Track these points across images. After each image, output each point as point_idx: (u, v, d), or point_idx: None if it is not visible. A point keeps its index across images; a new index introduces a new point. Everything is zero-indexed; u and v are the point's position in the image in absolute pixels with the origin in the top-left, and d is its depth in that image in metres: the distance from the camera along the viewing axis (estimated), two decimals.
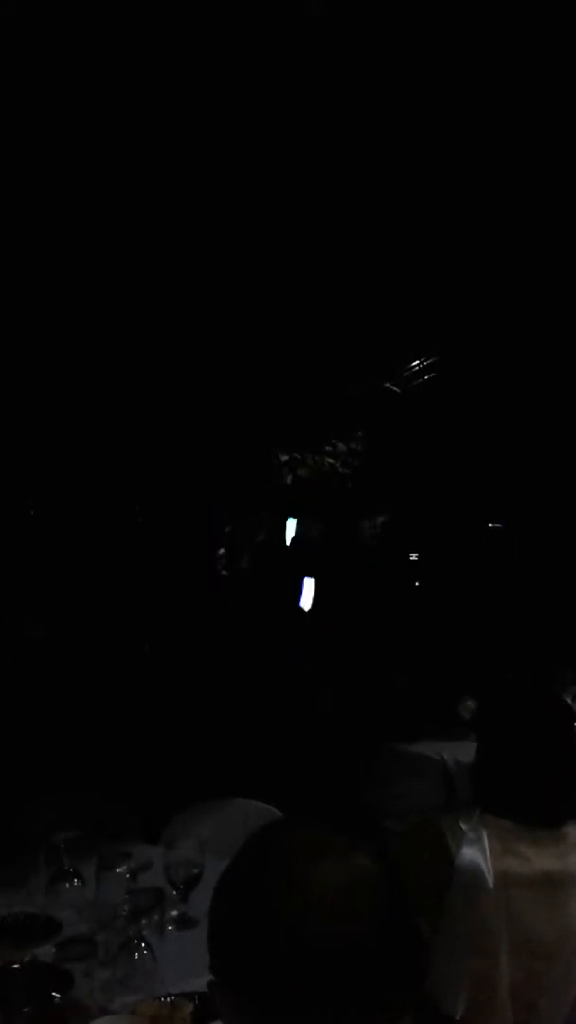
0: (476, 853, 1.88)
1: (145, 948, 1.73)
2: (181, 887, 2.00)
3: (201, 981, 1.65)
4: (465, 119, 4.89)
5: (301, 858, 0.96)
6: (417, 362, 8.82)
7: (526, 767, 1.92)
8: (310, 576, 6.61)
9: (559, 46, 4.14)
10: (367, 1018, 0.92)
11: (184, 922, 1.97)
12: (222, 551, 6.89)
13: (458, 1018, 1.87)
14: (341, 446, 7.21)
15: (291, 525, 7.49)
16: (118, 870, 1.92)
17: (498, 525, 7.25)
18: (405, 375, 8.84)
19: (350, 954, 0.91)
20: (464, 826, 1.91)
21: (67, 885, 2.02)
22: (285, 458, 7.81)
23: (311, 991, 0.90)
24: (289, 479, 8.28)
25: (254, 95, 4.48)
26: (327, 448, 7.03)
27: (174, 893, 1.99)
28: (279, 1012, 0.91)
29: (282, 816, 1.09)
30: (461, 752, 3.14)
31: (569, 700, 3.40)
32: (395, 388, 8.91)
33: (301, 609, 5.24)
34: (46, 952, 1.78)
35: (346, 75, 4.44)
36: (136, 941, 1.73)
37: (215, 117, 4.61)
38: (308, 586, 6.41)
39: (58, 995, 1.63)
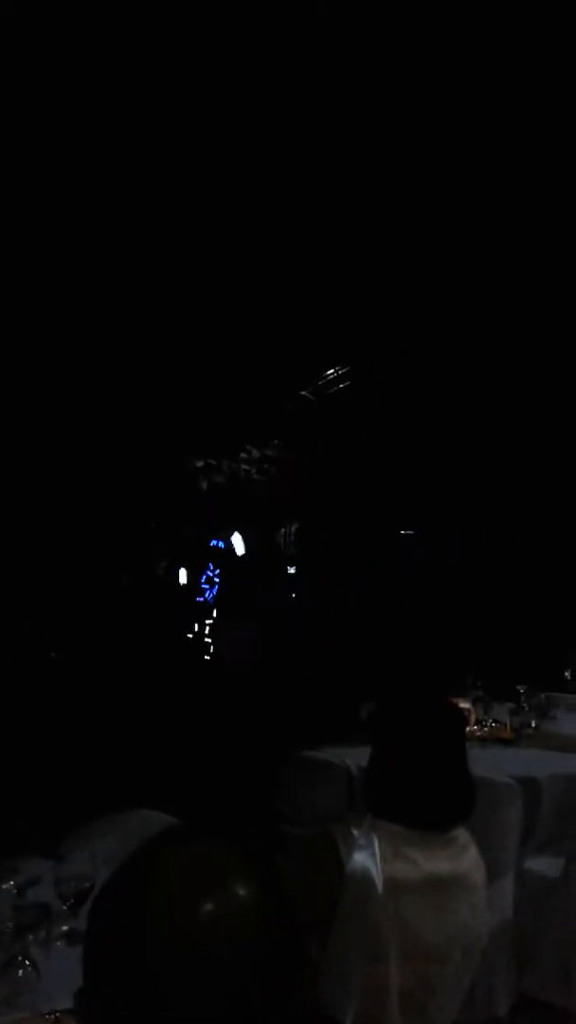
0: (367, 859, 1.90)
1: (30, 965, 1.69)
2: (71, 901, 1.95)
3: None
4: (420, 130, 4.97)
5: (177, 880, 0.93)
6: (332, 370, 8.90)
7: (415, 772, 1.95)
8: (225, 585, 6.60)
9: (550, 47, 4.24)
10: None
11: (73, 937, 1.93)
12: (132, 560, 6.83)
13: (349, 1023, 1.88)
14: (255, 452, 7.23)
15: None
16: (4, 886, 1.87)
17: (409, 532, 7.35)
18: (320, 383, 8.91)
19: (227, 977, 0.89)
20: (355, 832, 1.93)
21: None
22: (200, 464, 7.78)
23: (177, 1014, 0.88)
24: (205, 485, 8.26)
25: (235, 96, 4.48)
26: (242, 455, 7.04)
27: (64, 907, 1.95)
28: None
29: (168, 829, 1.06)
30: (364, 758, 3.16)
31: (469, 705, 3.48)
32: (310, 396, 8.97)
33: (213, 617, 5.21)
34: None
35: (323, 80, 4.47)
36: (20, 958, 1.69)
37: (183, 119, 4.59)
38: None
39: None
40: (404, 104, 4.76)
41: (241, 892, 0.93)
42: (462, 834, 2.00)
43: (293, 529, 8.67)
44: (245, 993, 0.90)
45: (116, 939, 0.93)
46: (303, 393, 9.00)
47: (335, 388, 8.93)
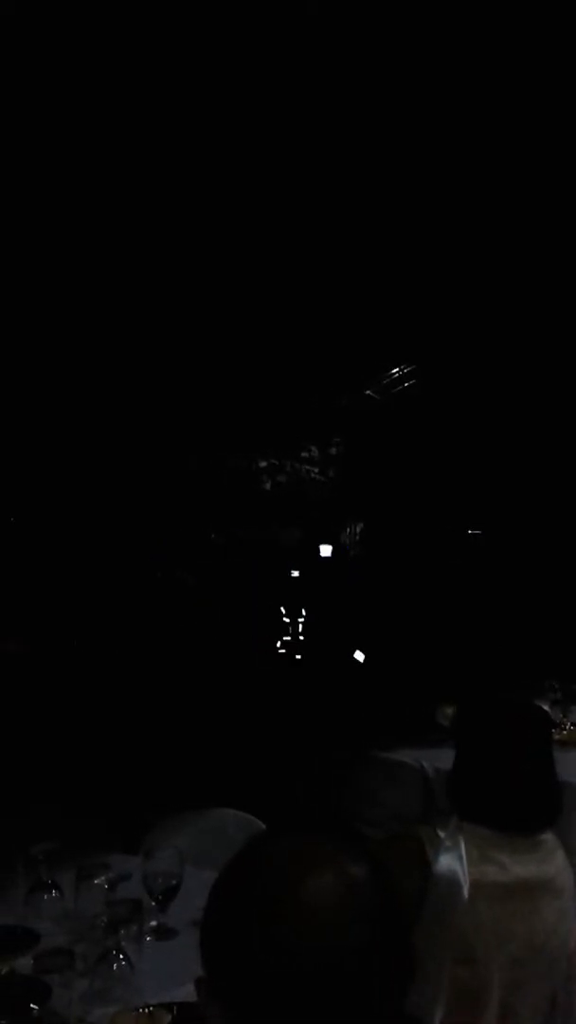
0: (453, 861, 1.89)
1: (123, 959, 1.73)
2: (160, 897, 1.99)
3: (180, 991, 1.66)
4: (438, 135, 4.94)
5: (295, 868, 0.96)
6: (397, 369, 8.86)
7: (502, 775, 1.94)
8: (290, 585, 6.61)
9: (539, 46, 4.19)
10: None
11: (163, 933, 1.97)
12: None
13: None
14: (316, 452, 7.23)
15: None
16: (96, 881, 1.91)
17: (478, 532, 7.29)
18: (384, 382, 8.87)
19: (344, 964, 0.91)
20: (442, 834, 1.92)
21: (45, 896, 2.01)
22: (264, 464, 7.82)
23: (303, 1002, 0.90)
24: (268, 485, 8.29)
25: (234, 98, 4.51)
26: (303, 455, 7.04)
27: (153, 904, 1.99)
28: (266, 1016, 0.91)
29: (273, 826, 1.09)
30: (439, 759, 3.14)
31: (547, 707, 3.43)
32: (375, 395, 8.94)
33: (283, 619, 5.24)
34: (24, 964, 1.77)
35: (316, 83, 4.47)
36: (114, 952, 1.72)
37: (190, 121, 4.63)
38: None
39: (36, 1007, 1.62)
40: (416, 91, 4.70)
41: (355, 872, 0.95)
42: (549, 838, 1.98)
43: (358, 529, 8.64)
44: (362, 974, 0.91)
45: (237, 925, 0.95)
46: (368, 392, 8.98)
47: (400, 387, 8.89)
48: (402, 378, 8.94)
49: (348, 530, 8.68)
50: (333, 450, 8.36)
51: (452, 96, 4.65)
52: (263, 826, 2.53)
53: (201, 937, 0.99)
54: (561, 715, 3.47)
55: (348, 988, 0.90)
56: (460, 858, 1.89)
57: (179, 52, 4.25)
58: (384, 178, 5.48)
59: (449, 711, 3.35)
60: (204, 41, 4.20)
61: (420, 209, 5.83)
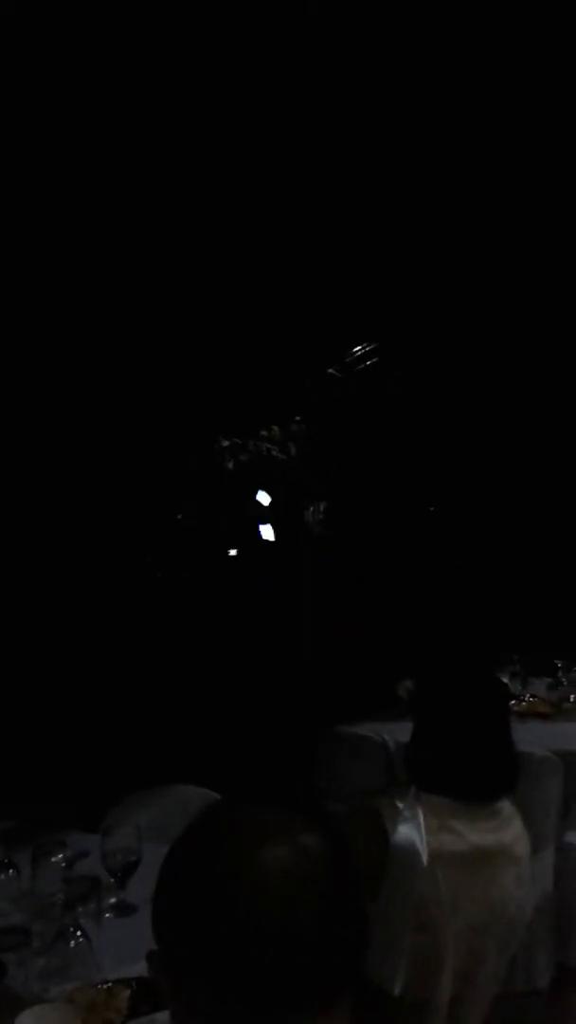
0: (411, 831, 1.90)
1: (81, 936, 1.71)
2: (119, 874, 1.98)
3: (139, 967, 1.65)
4: (400, 121, 4.93)
5: (248, 838, 0.94)
6: (359, 347, 8.84)
7: (459, 744, 1.95)
8: (256, 562, 6.58)
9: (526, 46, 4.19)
10: (310, 1000, 0.92)
11: (122, 909, 1.96)
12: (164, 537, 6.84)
13: (397, 994, 1.89)
14: (276, 430, 7.19)
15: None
16: (53, 859, 1.90)
17: (440, 508, 7.31)
18: (347, 360, 8.85)
19: (297, 935, 0.90)
20: (400, 805, 1.93)
21: (1, 876, 1.99)
22: (226, 443, 7.77)
23: (256, 973, 0.89)
24: (231, 464, 8.25)
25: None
26: (263, 432, 7.00)
27: (112, 880, 1.98)
28: (223, 993, 0.90)
29: (228, 797, 1.07)
30: (401, 733, 3.16)
31: (507, 679, 3.47)
32: (337, 373, 8.92)
33: (245, 595, 5.23)
34: None
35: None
36: (71, 929, 1.71)
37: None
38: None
39: None
40: (410, 87, 4.72)
41: (309, 843, 0.94)
42: (507, 806, 2.00)
43: (322, 508, 8.62)
44: (317, 946, 0.90)
45: (189, 899, 0.94)
46: (330, 371, 8.95)
47: (362, 365, 8.87)
48: (365, 356, 8.93)
49: (312, 508, 8.68)
50: (295, 428, 8.33)
51: (436, 95, 4.64)
52: None
53: (153, 909, 0.98)
54: (520, 687, 3.50)
55: (302, 959, 0.90)
56: (418, 828, 1.90)
57: (179, 51, 4.22)
58: (350, 164, 5.47)
59: (409, 685, 3.37)
60: (204, 40, 4.17)
61: (383, 192, 5.82)
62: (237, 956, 0.89)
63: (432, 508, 7.22)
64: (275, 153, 5.45)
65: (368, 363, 8.84)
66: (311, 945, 0.90)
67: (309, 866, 0.93)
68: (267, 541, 7.09)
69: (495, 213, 5.91)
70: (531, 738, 3.08)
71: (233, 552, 6.15)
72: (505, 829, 1.97)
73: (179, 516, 7.51)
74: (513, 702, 3.40)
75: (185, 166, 5.41)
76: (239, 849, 0.94)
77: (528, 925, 2.87)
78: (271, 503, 7.86)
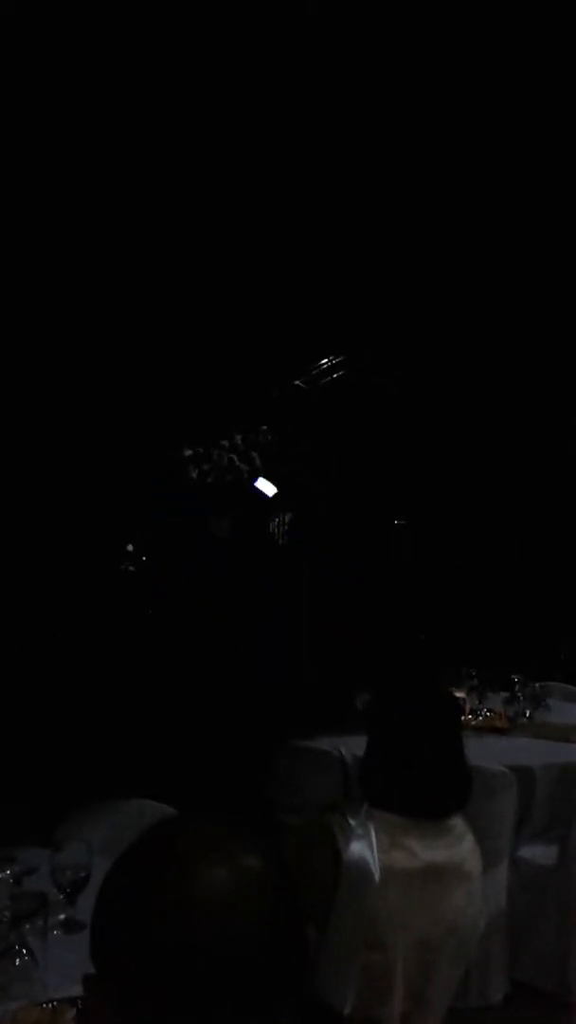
0: (364, 849, 1.90)
1: (26, 954, 1.69)
2: (68, 890, 1.95)
3: None
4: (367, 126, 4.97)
5: (188, 857, 0.93)
6: (326, 360, 8.87)
7: (410, 761, 1.95)
8: (219, 574, 6.56)
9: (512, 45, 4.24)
10: (247, 1020, 0.91)
11: (70, 926, 1.93)
12: (130, 548, 6.79)
13: (347, 1012, 1.89)
14: (238, 439, 7.18)
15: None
16: (0, 875, 1.87)
17: (402, 522, 7.35)
18: (314, 372, 8.87)
19: (234, 956, 0.89)
20: (352, 822, 1.93)
21: None
22: (190, 453, 7.74)
23: (192, 998, 0.88)
24: (195, 474, 8.22)
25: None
26: (223, 442, 6.99)
27: (61, 897, 1.95)
28: (157, 1012, 0.89)
29: (173, 814, 1.06)
30: (358, 746, 3.16)
31: (464, 694, 3.49)
32: (303, 385, 8.93)
33: (205, 607, 5.21)
34: None
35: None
36: (17, 947, 1.69)
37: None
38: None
39: None
40: (391, 98, 4.77)
41: (250, 864, 0.93)
42: (459, 823, 2.00)
43: (287, 519, 8.61)
44: (255, 968, 0.90)
45: (126, 920, 0.92)
46: (297, 382, 8.96)
47: (329, 377, 8.89)
48: (331, 368, 8.96)
49: (277, 519, 8.67)
50: (259, 438, 8.32)
51: (430, 95, 4.69)
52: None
53: (91, 932, 0.96)
54: (477, 702, 3.52)
55: (240, 983, 0.89)
56: (371, 846, 1.90)
57: (179, 49, 4.23)
58: (329, 172, 5.50)
59: (366, 697, 3.37)
60: (204, 39, 4.18)
61: (352, 203, 5.85)
62: (173, 981, 0.88)
63: (396, 521, 7.26)
64: (248, 164, 5.47)
65: (334, 375, 8.88)
66: (249, 969, 0.89)
67: (248, 889, 0.92)
68: (230, 553, 7.07)
69: (482, 215, 5.95)
70: (487, 753, 3.11)
71: (195, 561, 6.14)
72: (457, 846, 1.98)
73: (141, 529, 7.47)
74: (470, 717, 3.43)
75: (150, 177, 5.40)
76: (178, 871, 0.92)
77: (482, 940, 2.88)
78: (233, 518, 7.85)
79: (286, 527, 8.56)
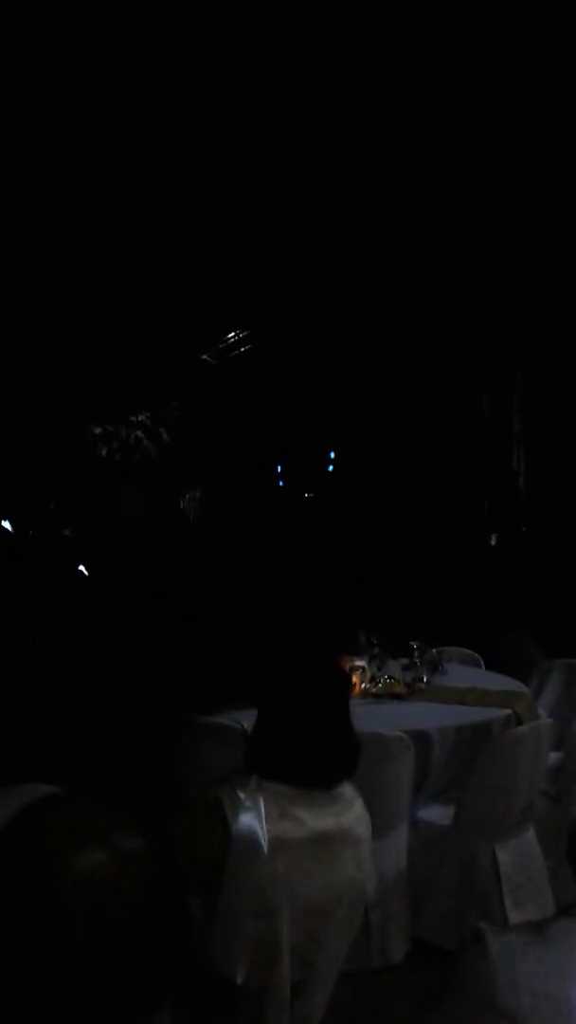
0: (252, 820, 1.91)
1: None
2: None
3: None
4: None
5: (62, 844, 0.93)
6: (232, 334, 8.82)
7: (297, 732, 1.97)
8: (131, 551, 6.51)
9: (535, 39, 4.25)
10: (129, 998, 0.91)
11: None
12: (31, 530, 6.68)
13: (239, 982, 1.90)
14: (146, 416, 7.12)
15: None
16: None
17: (311, 495, 7.41)
18: (221, 347, 8.82)
19: (111, 944, 0.89)
20: (242, 794, 1.94)
21: None
22: (99, 431, 7.63)
23: (68, 970, 0.88)
24: (104, 452, 8.11)
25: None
26: (132, 419, 6.93)
27: None
28: (35, 991, 0.89)
29: (52, 795, 1.05)
30: None
31: (365, 663, 3.53)
32: (211, 360, 8.87)
33: (109, 584, 5.16)
34: None
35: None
36: None
37: None
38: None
39: None
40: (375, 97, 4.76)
41: (128, 846, 0.94)
42: (347, 790, 2.03)
43: (197, 494, 8.58)
44: (132, 943, 0.90)
45: (3, 899, 0.92)
46: (204, 357, 8.90)
47: (236, 351, 8.85)
48: (238, 343, 8.91)
49: (188, 495, 8.63)
50: (168, 415, 8.24)
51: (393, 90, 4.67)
52: None
53: None
54: (377, 669, 3.57)
55: (117, 967, 0.89)
56: (259, 817, 1.92)
57: (179, 48, 4.13)
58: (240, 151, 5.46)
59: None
60: (204, 38, 4.08)
61: (259, 178, 5.82)
62: (49, 955, 0.88)
63: (308, 494, 7.32)
64: (156, 146, 5.38)
65: (242, 349, 8.84)
66: (125, 953, 0.90)
67: (123, 872, 0.92)
68: (139, 527, 7.00)
69: (358, 197, 5.98)
70: (385, 719, 3.16)
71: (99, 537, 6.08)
72: (345, 813, 2.01)
73: (51, 505, 7.34)
74: (369, 685, 3.48)
75: (66, 151, 5.27)
76: (51, 856, 0.92)
77: (382, 901, 2.96)
78: (145, 490, 7.77)
79: (197, 502, 8.54)
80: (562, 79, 4.61)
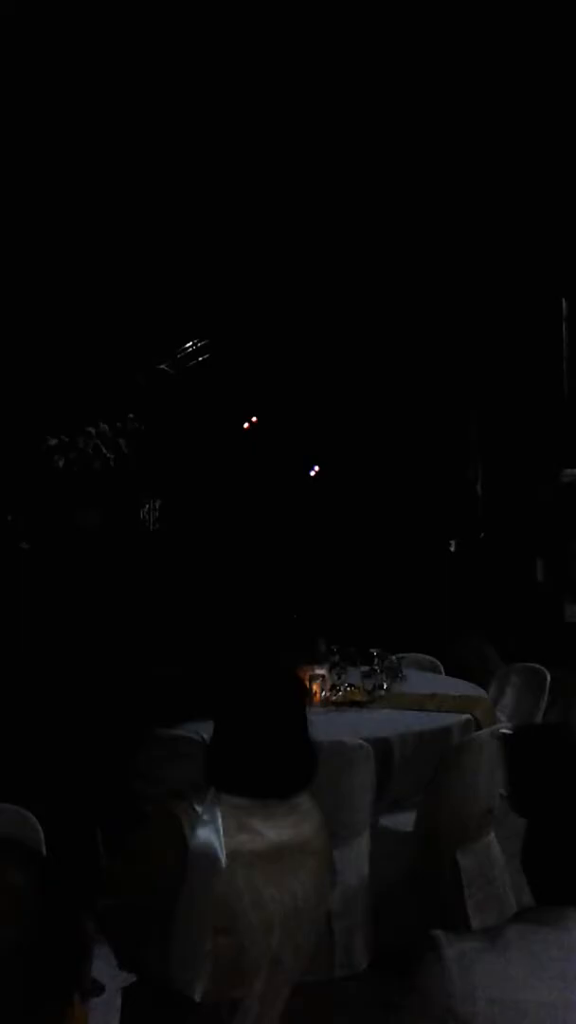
0: (210, 834, 1.90)
1: None
2: None
3: None
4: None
5: None
6: (191, 343, 8.78)
7: (253, 744, 1.96)
8: (88, 564, 6.44)
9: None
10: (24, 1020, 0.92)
11: None
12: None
13: (199, 999, 1.88)
14: (104, 427, 7.06)
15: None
16: None
17: (269, 503, 7.39)
18: (179, 356, 8.78)
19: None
20: (198, 808, 1.92)
21: None
22: (54, 442, 7.54)
23: None
24: (61, 463, 8.01)
25: None
26: (89, 429, 6.86)
27: None
28: None
29: None
30: None
31: (325, 671, 3.53)
32: (169, 369, 8.83)
33: (70, 597, 5.10)
34: None
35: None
36: None
37: None
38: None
39: None
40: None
41: (9, 879, 0.95)
42: (305, 800, 2.02)
43: (157, 505, 8.50)
44: (17, 974, 0.91)
45: None
46: (162, 366, 8.84)
47: (195, 360, 8.81)
48: (197, 352, 8.88)
49: (147, 506, 8.56)
50: (127, 426, 8.18)
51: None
52: (34, 821, 2.45)
53: None
54: (337, 677, 3.57)
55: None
56: (217, 831, 1.90)
57: (179, 47, 4.12)
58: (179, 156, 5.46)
59: None
60: (204, 37, 4.08)
61: (216, 184, 5.82)
62: None
63: (265, 503, 7.30)
64: (126, 145, 5.35)
65: (200, 359, 8.81)
66: (12, 975, 0.91)
67: (10, 904, 0.93)
68: (97, 538, 6.94)
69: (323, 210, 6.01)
70: (346, 727, 3.16)
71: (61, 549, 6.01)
72: (303, 823, 2.00)
73: (8, 517, 7.24)
74: (329, 693, 3.47)
75: (25, 164, 5.24)
76: None
77: (344, 910, 2.95)
78: (104, 500, 7.70)
79: (157, 512, 8.47)
80: (541, 84, 4.67)
